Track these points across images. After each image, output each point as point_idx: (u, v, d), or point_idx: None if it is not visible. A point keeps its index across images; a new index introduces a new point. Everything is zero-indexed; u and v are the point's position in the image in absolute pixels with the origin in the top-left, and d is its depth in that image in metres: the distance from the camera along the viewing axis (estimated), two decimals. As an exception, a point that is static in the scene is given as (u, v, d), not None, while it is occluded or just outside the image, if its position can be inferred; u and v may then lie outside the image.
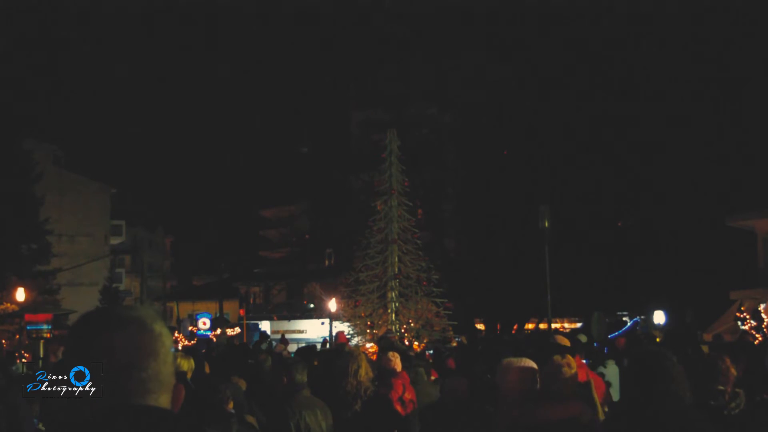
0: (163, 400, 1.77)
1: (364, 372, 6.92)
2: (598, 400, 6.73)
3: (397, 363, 8.05)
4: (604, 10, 34.79)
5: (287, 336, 30.54)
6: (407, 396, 7.77)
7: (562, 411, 5.13)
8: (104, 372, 1.71)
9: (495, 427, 5.57)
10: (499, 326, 32.88)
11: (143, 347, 1.76)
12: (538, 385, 5.41)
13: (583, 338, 10.65)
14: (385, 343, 13.48)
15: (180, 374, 7.26)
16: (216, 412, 5.60)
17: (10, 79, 36.75)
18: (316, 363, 10.88)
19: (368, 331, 24.66)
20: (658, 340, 18.80)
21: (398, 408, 7.52)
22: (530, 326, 34.31)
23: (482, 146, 34.22)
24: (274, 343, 23.88)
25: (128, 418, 1.69)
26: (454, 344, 22.89)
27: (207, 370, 10.31)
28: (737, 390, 5.21)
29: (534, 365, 5.52)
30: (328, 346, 23.59)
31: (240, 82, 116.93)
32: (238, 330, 34.39)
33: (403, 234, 25.14)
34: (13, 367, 14.95)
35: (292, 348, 23.26)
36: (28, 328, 22.09)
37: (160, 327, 1.82)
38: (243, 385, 7.41)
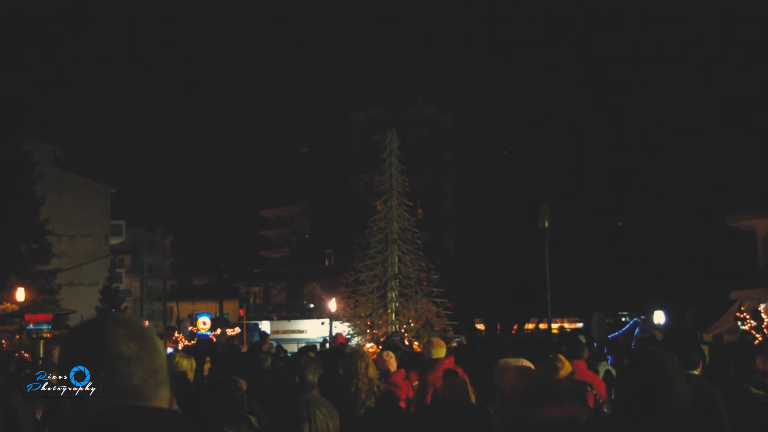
0: (160, 401, 1.80)
1: (373, 370, 6.99)
2: (602, 399, 6.75)
3: (391, 363, 8.20)
4: (604, 10, 34.84)
5: (286, 336, 30.59)
6: (411, 393, 7.93)
7: (561, 411, 5.15)
8: (113, 362, 1.75)
9: (493, 427, 5.58)
10: (499, 326, 32.88)
11: (145, 341, 1.82)
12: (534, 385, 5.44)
13: (583, 339, 10.66)
14: (389, 344, 13.55)
15: (180, 374, 7.26)
16: (233, 411, 5.63)
17: (10, 79, 36.79)
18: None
19: (368, 331, 24.65)
20: (659, 339, 18.79)
21: (403, 406, 7.67)
22: (530, 326, 34.32)
23: (482, 146, 34.23)
24: (274, 344, 23.84)
25: (125, 420, 1.69)
26: (455, 344, 22.87)
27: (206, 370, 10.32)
28: None
29: (531, 365, 5.54)
30: (327, 345, 23.58)
31: (240, 82, 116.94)
32: (238, 330, 34.36)
33: (403, 234, 25.13)
34: (18, 364, 14.92)
35: (292, 348, 23.25)
36: (28, 328, 22.07)
37: (150, 328, 1.91)
38: (243, 385, 7.44)
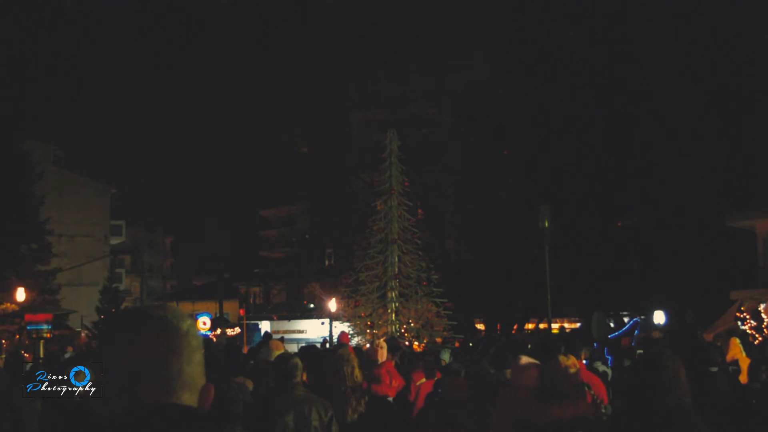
0: (187, 399, 1.77)
1: (358, 372, 7.02)
2: (599, 399, 6.78)
3: (381, 354, 8.27)
4: (604, 10, 34.83)
5: (287, 336, 30.49)
6: (395, 383, 8.03)
7: (572, 409, 5.21)
8: (127, 370, 1.73)
9: (500, 425, 5.60)
10: (499, 326, 32.87)
11: (166, 346, 1.77)
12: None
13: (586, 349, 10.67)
14: (390, 345, 13.58)
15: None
16: (229, 412, 5.62)
17: (9, 78, 36.74)
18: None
19: (368, 331, 24.66)
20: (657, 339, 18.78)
21: (388, 393, 7.80)
22: (530, 326, 34.30)
23: (482, 146, 34.23)
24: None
25: (148, 417, 1.70)
26: (457, 345, 22.88)
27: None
28: None
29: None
30: (328, 346, 23.57)
31: (240, 82, 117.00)
32: (238, 330, 34.37)
33: (403, 234, 25.14)
34: (29, 365, 14.88)
35: (292, 348, 23.23)
36: (28, 328, 22.06)
37: (187, 326, 1.83)
38: (250, 385, 7.42)
